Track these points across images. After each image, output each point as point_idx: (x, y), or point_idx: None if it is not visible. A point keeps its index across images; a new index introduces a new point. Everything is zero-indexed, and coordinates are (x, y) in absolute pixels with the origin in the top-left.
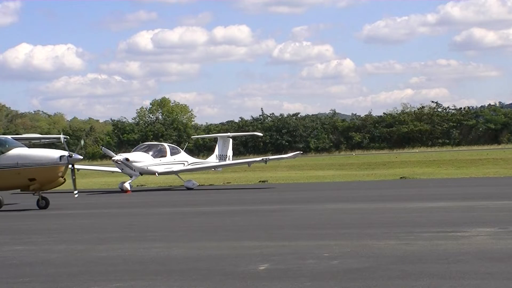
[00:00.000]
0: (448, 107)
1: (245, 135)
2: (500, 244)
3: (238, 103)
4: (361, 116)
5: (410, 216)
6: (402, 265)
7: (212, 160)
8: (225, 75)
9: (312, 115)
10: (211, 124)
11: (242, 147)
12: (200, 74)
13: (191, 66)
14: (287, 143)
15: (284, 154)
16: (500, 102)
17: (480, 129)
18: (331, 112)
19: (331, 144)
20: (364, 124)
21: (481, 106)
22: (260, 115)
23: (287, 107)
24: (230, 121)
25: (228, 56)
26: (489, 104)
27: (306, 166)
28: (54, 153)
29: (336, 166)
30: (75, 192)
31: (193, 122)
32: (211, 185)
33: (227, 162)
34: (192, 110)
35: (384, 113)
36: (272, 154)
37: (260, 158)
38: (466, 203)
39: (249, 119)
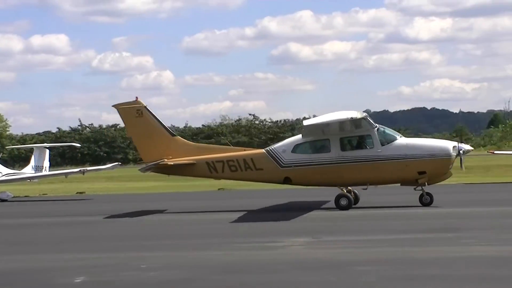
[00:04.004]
0: (265, 119)
1: (62, 146)
2: (314, 253)
3: (56, 113)
4: (180, 127)
5: (227, 226)
6: (223, 275)
7: (28, 171)
8: (43, 84)
9: None
10: (27, 135)
11: (59, 158)
12: (16, 83)
13: (7, 74)
14: (105, 154)
15: (102, 165)
16: (314, 115)
17: None
18: None
19: None
20: (182, 135)
21: (297, 118)
22: (78, 126)
23: (106, 118)
24: (47, 131)
25: (46, 65)
26: (304, 117)
27: (125, 177)
28: (448, 144)
29: (156, 177)
30: (462, 167)
31: (8, 132)
32: (26, 196)
33: (44, 173)
34: (6, 119)
35: (203, 124)
36: (90, 165)
37: (78, 169)
38: (279, 214)
39: (67, 129)
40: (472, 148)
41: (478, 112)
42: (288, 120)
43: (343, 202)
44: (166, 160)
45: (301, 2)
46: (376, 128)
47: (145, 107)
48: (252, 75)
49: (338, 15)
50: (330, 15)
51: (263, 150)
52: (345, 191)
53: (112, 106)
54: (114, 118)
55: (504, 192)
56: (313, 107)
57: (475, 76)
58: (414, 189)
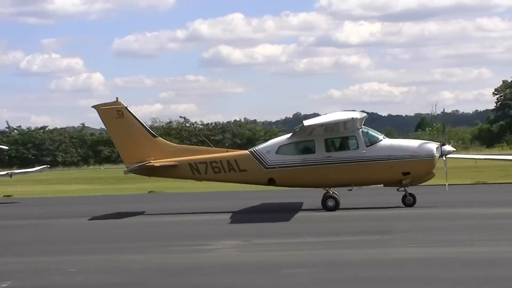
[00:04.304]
0: (196, 122)
1: None
2: (243, 256)
3: None
4: None
5: (159, 229)
6: (159, 278)
7: None
8: None
9: (61, 128)
10: None
11: None
12: None
13: None
14: (33, 157)
15: (30, 168)
16: (245, 118)
17: (227, 144)
18: (80, 126)
19: (80, 158)
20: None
21: (228, 121)
22: (6, 128)
23: (34, 120)
24: None
25: None
26: (235, 119)
27: (53, 180)
28: (431, 145)
29: (84, 180)
30: (447, 185)
31: None
32: None
33: None
34: None
35: None
36: (18, 168)
37: (5, 172)
38: (207, 217)
39: None
40: (455, 149)
41: (406, 115)
42: (219, 122)
43: (330, 203)
44: (151, 161)
45: (232, 5)
46: (360, 129)
47: (126, 108)
48: (183, 78)
49: (269, 18)
50: (261, 18)
51: (247, 151)
52: (331, 192)
53: (92, 106)
54: (43, 120)
55: (428, 194)
56: (244, 110)
57: (403, 80)
58: (397, 189)
